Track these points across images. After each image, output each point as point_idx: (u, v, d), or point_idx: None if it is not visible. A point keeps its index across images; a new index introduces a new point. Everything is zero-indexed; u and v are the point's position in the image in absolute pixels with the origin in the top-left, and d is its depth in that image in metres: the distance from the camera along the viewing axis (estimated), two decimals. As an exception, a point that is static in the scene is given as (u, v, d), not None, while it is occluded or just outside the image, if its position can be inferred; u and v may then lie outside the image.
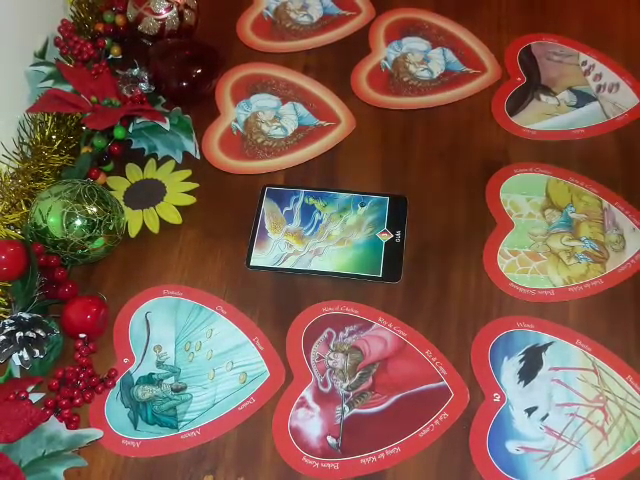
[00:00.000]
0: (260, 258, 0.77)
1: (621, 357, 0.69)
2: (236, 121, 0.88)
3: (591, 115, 0.88)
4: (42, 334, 0.67)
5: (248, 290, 0.75)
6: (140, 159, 0.84)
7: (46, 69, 0.84)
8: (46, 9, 0.89)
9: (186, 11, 0.91)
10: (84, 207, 0.71)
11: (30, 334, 0.67)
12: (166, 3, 0.90)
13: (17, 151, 0.79)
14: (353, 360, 0.70)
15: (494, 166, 0.84)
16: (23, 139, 0.81)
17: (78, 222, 0.71)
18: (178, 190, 0.81)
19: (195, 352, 0.71)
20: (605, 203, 0.80)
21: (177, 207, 0.80)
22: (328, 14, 0.99)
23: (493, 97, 0.90)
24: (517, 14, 0.98)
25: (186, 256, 0.77)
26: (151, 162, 0.84)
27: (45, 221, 0.71)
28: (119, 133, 0.81)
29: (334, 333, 0.71)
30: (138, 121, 0.82)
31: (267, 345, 0.71)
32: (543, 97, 0.90)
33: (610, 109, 0.89)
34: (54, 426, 0.63)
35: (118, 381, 0.69)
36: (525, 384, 0.68)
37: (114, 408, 0.67)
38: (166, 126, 0.81)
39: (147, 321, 0.73)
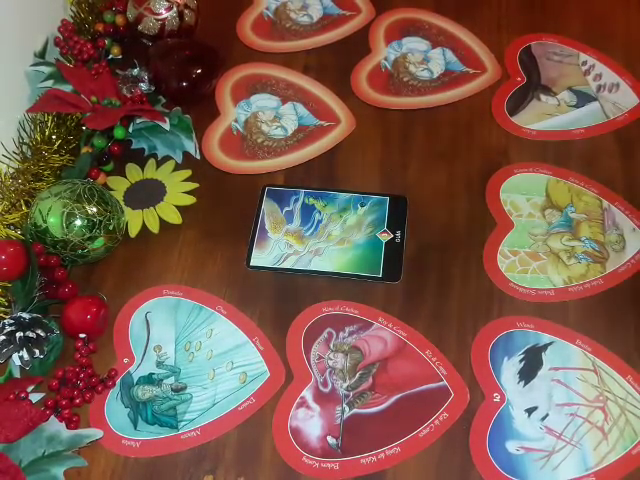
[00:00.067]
0: (260, 258, 0.77)
1: (621, 357, 0.69)
2: (236, 121, 0.88)
3: (591, 115, 0.88)
4: (42, 334, 0.67)
5: (248, 290, 0.75)
6: (140, 159, 0.84)
7: (46, 69, 0.84)
8: (46, 9, 0.90)
9: (186, 11, 0.91)
10: (84, 207, 0.71)
11: (30, 334, 0.67)
12: (166, 3, 0.90)
13: (17, 151, 0.79)
14: (353, 360, 0.70)
15: (494, 166, 0.84)
16: (23, 139, 0.81)
17: (78, 222, 0.71)
18: (178, 190, 0.81)
19: (195, 352, 0.71)
20: (605, 203, 0.80)
21: (177, 207, 0.80)
22: (328, 14, 0.99)
23: (493, 97, 0.90)
24: (517, 14, 0.98)
25: (186, 256, 0.77)
26: (151, 162, 0.84)
27: (45, 221, 0.71)
28: (119, 133, 0.81)
29: (334, 333, 0.72)
30: (138, 121, 0.82)
31: (267, 345, 0.71)
32: (543, 97, 0.90)
33: (610, 109, 0.89)
34: (54, 426, 0.63)
35: (118, 381, 0.69)
36: (525, 384, 0.68)
37: (114, 408, 0.67)
38: (166, 126, 0.81)
39: (147, 321, 0.73)
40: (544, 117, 0.88)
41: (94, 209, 0.72)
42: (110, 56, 0.91)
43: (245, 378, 0.69)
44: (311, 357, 0.70)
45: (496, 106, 0.89)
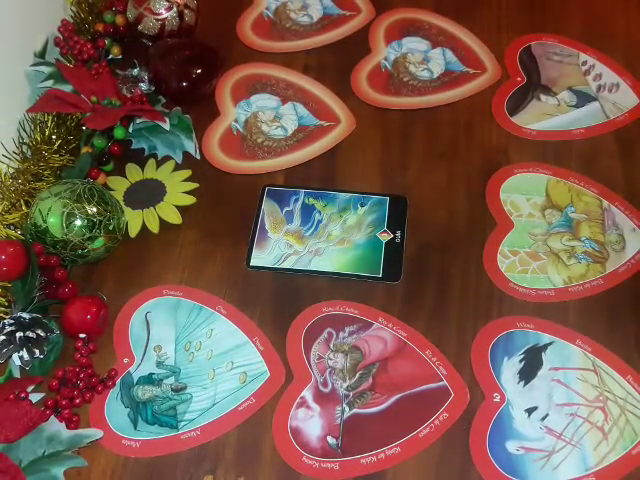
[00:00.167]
0: (260, 258, 0.77)
1: (621, 357, 0.69)
2: (236, 121, 0.88)
3: (591, 115, 0.88)
4: (42, 334, 0.67)
5: (248, 290, 0.75)
6: (140, 159, 0.84)
7: (46, 69, 0.84)
8: (46, 9, 0.90)
9: (186, 11, 0.91)
10: (84, 207, 0.71)
11: (30, 334, 0.67)
12: (166, 3, 0.90)
13: (17, 151, 0.79)
14: (353, 360, 0.70)
15: (494, 166, 0.84)
16: (23, 139, 0.81)
17: (78, 222, 0.71)
18: (178, 190, 0.81)
19: (195, 352, 0.71)
20: (605, 203, 0.80)
21: (177, 207, 0.80)
22: (328, 14, 0.99)
23: (493, 97, 0.90)
24: (517, 14, 0.98)
25: (186, 256, 0.77)
26: (151, 162, 0.84)
27: (45, 221, 0.71)
28: (119, 133, 0.81)
29: (334, 333, 0.71)
30: (138, 121, 0.83)
31: (267, 345, 0.71)
32: (543, 97, 0.90)
33: (610, 109, 0.89)
34: (54, 426, 0.63)
35: (118, 381, 0.69)
36: (525, 384, 0.68)
37: (114, 408, 0.67)
38: (166, 126, 0.81)
39: (147, 321, 0.73)
40: (544, 117, 0.88)
41: (94, 209, 0.72)
42: (110, 56, 0.91)
43: (245, 378, 0.69)
44: (311, 357, 0.70)
45: (496, 106, 0.89)
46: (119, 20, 0.92)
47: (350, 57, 0.94)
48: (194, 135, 0.83)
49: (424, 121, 0.88)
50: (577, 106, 0.89)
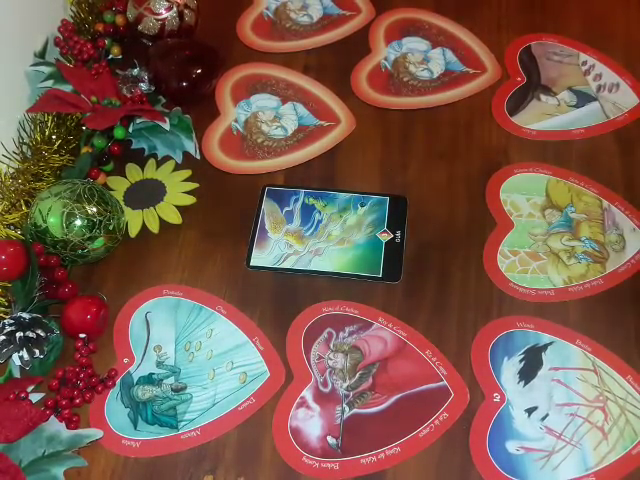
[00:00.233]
0: (260, 258, 0.77)
1: (621, 357, 0.69)
2: (236, 121, 0.88)
3: (591, 115, 0.88)
4: (42, 334, 0.67)
5: (248, 290, 0.75)
6: (140, 159, 0.84)
7: (46, 69, 0.84)
8: (46, 9, 0.90)
9: (186, 11, 0.91)
10: (84, 207, 0.71)
11: (30, 334, 0.67)
12: (166, 3, 0.90)
13: (17, 151, 0.79)
14: (353, 360, 0.70)
15: (494, 166, 0.84)
16: (23, 139, 0.81)
17: (78, 222, 0.71)
18: (178, 190, 0.81)
19: (195, 352, 0.71)
20: (605, 203, 0.80)
21: (177, 207, 0.80)
22: (328, 14, 0.99)
23: (493, 97, 0.90)
24: (517, 14, 0.98)
25: (186, 256, 0.77)
26: (151, 162, 0.84)
27: (45, 221, 0.71)
28: (119, 133, 0.81)
29: (334, 333, 0.71)
30: (138, 121, 0.83)
31: (267, 345, 0.71)
32: (543, 97, 0.90)
33: (610, 109, 0.89)
34: (54, 426, 0.63)
35: (118, 381, 0.69)
36: (525, 384, 0.68)
37: (114, 408, 0.67)
38: (166, 126, 0.81)
39: (147, 321, 0.73)
40: (544, 117, 0.88)
41: (94, 209, 0.72)
42: (110, 56, 0.91)
43: (245, 378, 0.69)
44: (311, 357, 0.70)
45: (496, 106, 0.89)
46: (119, 20, 0.92)
47: (350, 57, 0.94)
48: (194, 135, 0.83)
49: (424, 121, 0.88)
50: (577, 106, 0.89)
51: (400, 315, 0.73)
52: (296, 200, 0.81)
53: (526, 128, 0.87)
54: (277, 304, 0.74)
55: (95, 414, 0.67)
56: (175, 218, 0.79)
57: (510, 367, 0.69)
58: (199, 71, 0.87)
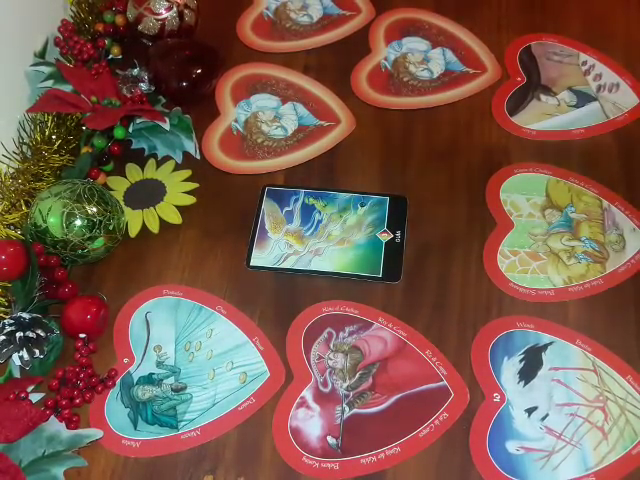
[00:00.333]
0: (260, 258, 0.77)
1: (621, 357, 0.69)
2: (236, 121, 0.88)
3: (591, 115, 0.88)
4: (42, 334, 0.67)
5: (248, 290, 0.75)
6: (140, 159, 0.84)
7: (46, 69, 0.84)
8: (46, 9, 0.90)
9: (186, 11, 0.91)
10: (84, 207, 0.71)
11: (30, 334, 0.67)
12: (166, 3, 0.90)
13: (17, 151, 0.79)
14: (353, 360, 0.70)
15: (494, 166, 0.84)
16: (23, 139, 0.81)
17: (78, 222, 0.71)
18: (178, 190, 0.81)
19: (195, 352, 0.71)
20: (605, 203, 0.80)
21: (177, 207, 0.80)
22: (328, 14, 0.99)
23: (493, 97, 0.90)
24: (517, 14, 0.98)
25: (186, 256, 0.77)
26: (151, 162, 0.84)
27: (45, 221, 0.71)
28: (119, 133, 0.81)
29: (334, 333, 0.71)
30: (138, 121, 0.83)
31: (267, 345, 0.71)
32: (543, 97, 0.90)
33: (610, 109, 0.89)
34: (54, 426, 0.63)
35: (118, 381, 0.69)
36: (525, 384, 0.68)
37: (114, 408, 0.67)
38: (166, 126, 0.81)
39: (147, 321, 0.73)
40: (544, 117, 0.88)
41: (94, 209, 0.72)
42: (110, 56, 0.91)
43: (245, 378, 0.69)
44: (311, 357, 0.70)
45: (496, 106, 0.89)
46: (119, 20, 0.92)
47: (350, 57, 0.94)
48: (194, 135, 0.83)
49: (424, 121, 0.88)
50: (577, 106, 0.89)
51: (400, 315, 0.73)
52: (296, 200, 0.81)
53: (526, 128, 0.87)
54: (277, 304, 0.74)
55: (95, 414, 0.67)
56: (175, 218, 0.79)
57: (510, 367, 0.69)
58: (199, 71, 0.87)
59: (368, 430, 0.66)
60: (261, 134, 0.87)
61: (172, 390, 0.68)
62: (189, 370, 0.70)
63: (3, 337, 0.66)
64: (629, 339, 0.71)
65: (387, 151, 0.85)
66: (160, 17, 0.90)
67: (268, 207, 0.81)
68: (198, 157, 0.84)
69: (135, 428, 0.66)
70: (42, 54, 0.86)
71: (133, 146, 0.84)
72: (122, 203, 0.79)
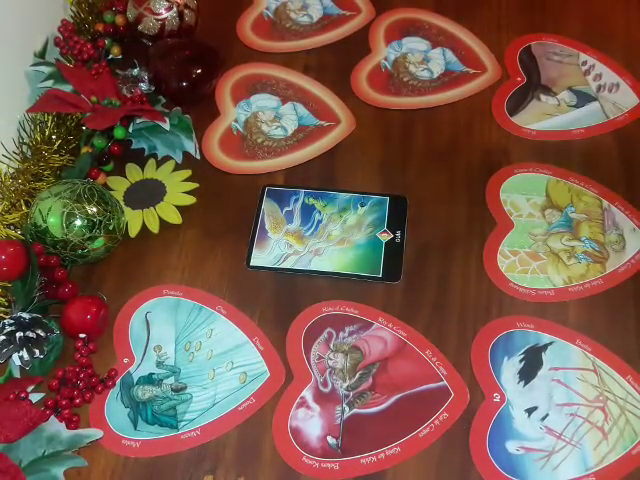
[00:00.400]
0: (260, 258, 0.77)
1: (621, 357, 0.69)
2: (236, 121, 0.88)
3: (591, 115, 0.88)
4: (42, 334, 0.67)
5: (248, 290, 0.75)
6: (140, 159, 0.84)
7: (46, 69, 0.84)
8: (46, 9, 0.90)
9: (186, 11, 0.91)
10: (84, 207, 0.71)
11: (30, 334, 0.67)
12: (166, 3, 0.90)
13: (17, 151, 0.79)
14: (353, 360, 0.70)
15: (494, 166, 0.84)
16: (23, 139, 0.81)
17: (78, 222, 0.71)
18: (178, 190, 0.81)
19: (195, 352, 0.71)
20: (605, 203, 0.80)
21: (177, 207, 0.80)
22: (328, 14, 0.99)
23: (493, 97, 0.90)
24: (517, 14, 0.98)
25: (186, 256, 0.77)
26: (151, 162, 0.84)
27: (45, 221, 0.71)
28: (119, 133, 0.81)
29: (334, 333, 0.71)
30: (138, 121, 0.83)
31: (267, 345, 0.71)
32: (543, 97, 0.90)
33: (610, 109, 0.89)
34: (54, 426, 0.63)
35: (118, 381, 0.69)
36: (525, 384, 0.68)
37: (114, 408, 0.67)
38: (166, 126, 0.81)
39: (147, 321, 0.73)
40: (544, 117, 0.88)
41: (94, 209, 0.72)
42: (110, 56, 0.91)
43: (245, 378, 0.69)
44: (311, 357, 0.70)
45: (496, 106, 0.89)
46: (119, 20, 0.92)
47: (350, 57, 0.94)
48: (194, 135, 0.83)
49: (424, 121, 0.88)
50: (577, 106, 0.89)
51: (400, 315, 0.73)
52: (296, 200, 0.81)
53: (526, 128, 0.87)
54: (277, 304, 0.74)
55: (95, 414, 0.67)
56: (175, 218, 0.79)
57: (510, 367, 0.69)
58: (199, 71, 0.87)
59: (368, 430, 0.66)
60: (261, 134, 0.87)
61: (172, 390, 0.68)
62: (189, 370, 0.70)
63: (3, 337, 0.66)
64: (629, 339, 0.71)
65: (387, 151, 0.85)
66: (160, 17, 0.90)
67: (268, 207, 0.81)
68: (198, 157, 0.84)
69: (135, 428, 0.66)
70: (42, 54, 0.86)
71: (133, 146, 0.84)
72: (122, 203, 0.79)
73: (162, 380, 0.69)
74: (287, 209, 0.80)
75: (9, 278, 0.70)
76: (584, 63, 0.93)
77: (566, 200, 0.80)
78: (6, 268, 0.69)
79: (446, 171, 0.83)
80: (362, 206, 0.80)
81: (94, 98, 0.82)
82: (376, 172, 0.84)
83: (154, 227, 0.79)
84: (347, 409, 0.67)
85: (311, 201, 0.81)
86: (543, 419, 0.66)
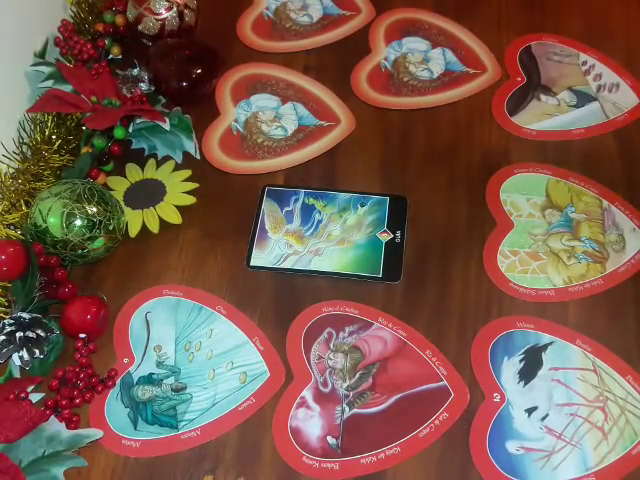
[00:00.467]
0: (260, 258, 0.77)
1: (621, 357, 0.69)
2: (236, 121, 0.88)
3: (591, 115, 0.88)
4: (42, 334, 0.67)
5: (248, 290, 0.75)
6: (140, 159, 0.84)
7: (46, 69, 0.84)
8: (46, 9, 0.90)
9: (186, 11, 0.91)
10: (84, 207, 0.71)
11: (30, 334, 0.67)
12: (166, 3, 0.90)
13: (17, 151, 0.79)
14: (353, 360, 0.70)
15: (494, 166, 0.84)
16: (23, 139, 0.81)
17: (78, 222, 0.71)
18: (178, 190, 0.81)
19: (195, 352, 0.71)
20: (605, 203, 0.80)
21: (177, 207, 0.80)
22: (328, 14, 0.99)
23: (493, 97, 0.90)
24: (517, 14, 0.98)
25: (186, 256, 0.77)
26: (151, 162, 0.84)
27: (45, 221, 0.71)
28: (119, 133, 0.81)
29: (334, 333, 0.72)
30: (138, 121, 0.83)
31: (267, 345, 0.71)
32: (543, 97, 0.90)
33: (610, 109, 0.89)
34: (54, 426, 0.63)
35: (118, 381, 0.69)
36: (525, 384, 0.68)
37: (114, 408, 0.67)
38: (166, 126, 0.81)
39: (147, 321, 0.73)
40: (544, 117, 0.88)
41: (94, 209, 0.72)
42: (110, 56, 0.91)
43: (245, 378, 0.69)
44: (311, 357, 0.70)
45: (496, 106, 0.89)
46: (119, 20, 0.92)
47: (350, 57, 0.94)
48: (194, 135, 0.83)
49: (424, 121, 0.88)
50: (577, 106, 0.89)
51: (400, 315, 0.73)
52: (296, 200, 0.81)
53: (526, 128, 0.87)
54: (277, 304, 0.74)
55: (95, 414, 0.67)
56: (175, 218, 0.79)
57: (510, 367, 0.69)
58: (199, 71, 0.87)
59: (368, 430, 0.66)
60: (261, 134, 0.87)
61: (172, 390, 0.68)
62: (189, 370, 0.70)
63: (3, 337, 0.66)
64: (629, 339, 0.71)
65: (387, 151, 0.85)
66: (160, 17, 0.90)
67: (268, 207, 0.81)
68: (198, 157, 0.84)
69: (135, 428, 0.66)
70: (42, 54, 0.86)
71: (133, 146, 0.84)
72: (122, 203, 0.79)
73: (162, 380, 0.69)
74: (287, 209, 0.80)
75: (9, 278, 0.70)
76: (584, 63, 0.93)
77: (566, 200, 0.80)
78: (6, 268, 0.69)
79: (446, 171, 0.83)
80: (362, 206, 0.80)
81: (94, 98, 0.82)
82: (376, 172, 0.84)
83: (154, 227, 0.79)
84: (347, 409, 0.67)
85: (311, 201, 0.81)
86: (543, 419, 0.66)
